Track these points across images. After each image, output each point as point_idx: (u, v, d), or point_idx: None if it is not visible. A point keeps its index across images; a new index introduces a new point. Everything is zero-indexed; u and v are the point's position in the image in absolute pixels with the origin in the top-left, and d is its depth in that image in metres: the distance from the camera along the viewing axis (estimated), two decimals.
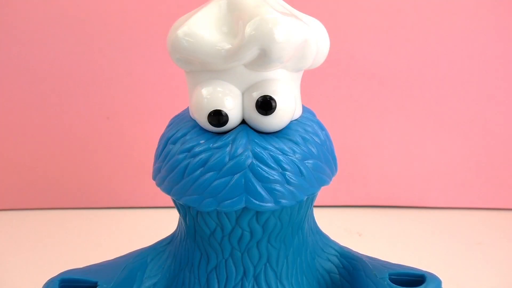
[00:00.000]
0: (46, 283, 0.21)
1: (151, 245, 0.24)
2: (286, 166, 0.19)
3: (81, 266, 0.22)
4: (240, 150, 0.18)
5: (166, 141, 0.20)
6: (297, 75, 0.20)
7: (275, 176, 0.18)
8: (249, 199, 0.18)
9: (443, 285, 0.21)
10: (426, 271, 0.21)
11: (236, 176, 0.18)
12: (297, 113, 0.21)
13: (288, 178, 0.19)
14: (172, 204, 0.22)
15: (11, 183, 0.44)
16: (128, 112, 0.43)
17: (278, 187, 0.18)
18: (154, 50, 0.41)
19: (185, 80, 0.21)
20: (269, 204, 0.18)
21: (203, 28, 0.18)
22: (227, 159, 0.18)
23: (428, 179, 0.44)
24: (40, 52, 0.41)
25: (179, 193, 0.19)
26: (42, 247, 0.38)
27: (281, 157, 0.19)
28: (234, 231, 0.20)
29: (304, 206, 0.21)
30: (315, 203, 0.22)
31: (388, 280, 0.20)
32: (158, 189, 0.20)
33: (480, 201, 0.44)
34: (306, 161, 0.19)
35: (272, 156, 0.18)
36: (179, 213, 0.22)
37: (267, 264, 0.21)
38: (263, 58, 0.18)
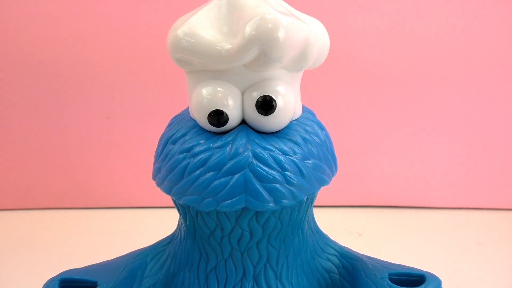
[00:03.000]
0: (46, 283, 0.21)
1: (151, 245, 0.24)
2: (286, 166, 0.19)
3: (81, 266, 0.22)
4: (240, 150, 0.18)
5: (166, 141, 0.20)
6: (297, 75, 0.20)
7: (275, 176, 0.18)
8: (249, 199, 0.18)
9: (443, 285, 0.21)
10: (426, 271, 0.21)
11: (236, 176, 0.18)
12: (297, 113, 0.21)
13: (288, 178, 0.19)
14: (172, 204, 0.22)
15: (11, 183, 0.44)
16: (128, 112, 0.43)
17: (278, 187, 0.18)
18: (154, 50, 0.41)
19: (185, 80, 0.21)
20: (269, 204, 0.18)
21: (203, 28, 0.18)
22: (227, 159, 0.18)
23: (428, 179, 0.44)
24: (40, 52, 0.41)
25: (179, 193, 0.19)
26: (42, 247, 0.38)
27: (281, 157, 0.19)
28: (234, 231, 0.20)
29: (304, 206, 0.21)
30: (315, 203, 0.22)
31: (388, 280, 0.20)
32: (158, 189, 0.20)
33: (480, 201, 0.44)
34: (306, 161, 0.19)
35: (272, 156, 0.18)
36: (179, 213, 0.22)
37: (267, 264, 0.21)
38: (263, 58, 0.18)
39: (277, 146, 0.19)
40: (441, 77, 0.42)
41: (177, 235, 0.23)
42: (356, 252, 0.23)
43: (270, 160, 0.18)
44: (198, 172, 0.18)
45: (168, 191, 0.20)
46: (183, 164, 0.19)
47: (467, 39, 0.41)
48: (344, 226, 0.41)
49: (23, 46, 0.41)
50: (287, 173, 0.19)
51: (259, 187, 0.18)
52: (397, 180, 0.44)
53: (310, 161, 0.19)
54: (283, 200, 0.19)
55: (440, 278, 0.21)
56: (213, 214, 0.20)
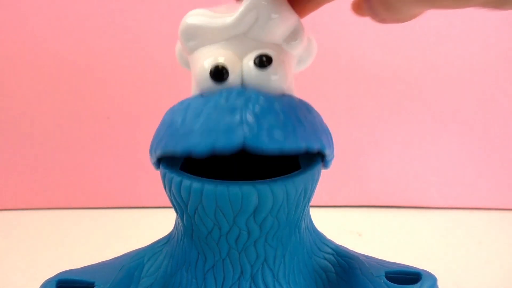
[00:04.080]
0: (43, 283, 0.21)
1: (148, 245, 0.24)
2: (285, 111, 0.18)
3: (80, 266, 0.22)
4: (236, 94, 0.18)
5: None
6: (291, 54, 0.21)
7: (274, 119, 0.18)
8: (247, 136, 0.17)
9: (442, 284, 0.21)
10: (422, 269, 0.21)
11: (233, 114, 0.18)
12: (291, 92, 0.21)
13: (287, 123, 0.18)
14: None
15: (11, 183, 0.44)
16: (128, 112, 0.43)
17: (277, 130, 0.18)
18: (155, 51, 0.41)
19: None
20: (268, 145, 0.18)
21: (210, 11, 0.20)
22: (223, 101, 0.18)
23: (428, 179, 0.44)
24: (41, 52, 0.41)
25: (176, 143, 0.19)
26: (42, 247, 0.38)
27: (280, 105, 0.19)
28: (232, 231, 0.20)
29: (301, 205, 0.21)
30: (314, 203, 0.22)
31: (385, 278, 0.20)
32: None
33: (480, 201, 0.44)
34: (305, 115, 0.19)
35: (271, 102, 0.18)
36: (177, 213, 0.22)
37: (264, 264, 0.21)
38: (259, 22, 0.19)
39: (274, 96, 0.19)
40: (441, 78, 0.42)
41: (174, 235, 0.23)
42: (352, 251, 0.23)
43: (269, 106, 0.18)
44: (194, 118, 0.18)
45: (164, 147, 0.19)
46: (180, 117, 0.19)
47: (467, 40, 0.41)
48: (344, 226, 0.41)
49: (24, 46, 0.41)
50: (285, 117, 0.18)
51: (257, 127, 0.18)
52: (397, 180, 0.44)
53: (309, 117, 0.19)
54: (282, 143, 0.18)
55: (435, 276, 0.21)
56: (210, 213, 0.20)
